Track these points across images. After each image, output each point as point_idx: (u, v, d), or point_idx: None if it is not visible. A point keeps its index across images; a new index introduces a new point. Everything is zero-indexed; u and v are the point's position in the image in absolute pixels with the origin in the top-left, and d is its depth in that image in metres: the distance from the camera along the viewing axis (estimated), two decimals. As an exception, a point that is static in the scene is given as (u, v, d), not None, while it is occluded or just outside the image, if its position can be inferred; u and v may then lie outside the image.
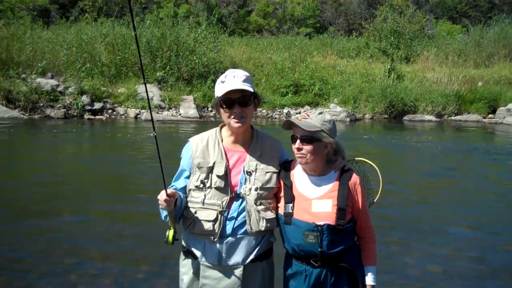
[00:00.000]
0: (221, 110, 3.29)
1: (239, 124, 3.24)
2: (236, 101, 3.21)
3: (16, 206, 8.36)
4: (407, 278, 6.11)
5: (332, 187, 3.22)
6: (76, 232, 7.25)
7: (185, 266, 3.41)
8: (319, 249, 3.13)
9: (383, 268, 6.15)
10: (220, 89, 3.23)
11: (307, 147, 3.18)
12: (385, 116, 23.23)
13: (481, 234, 7.88)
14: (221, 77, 3.28)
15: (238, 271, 3.24)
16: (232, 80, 3.21)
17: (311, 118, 3.20)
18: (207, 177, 3.25)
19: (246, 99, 3.24)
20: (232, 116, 3.23)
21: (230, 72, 3.29)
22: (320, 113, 3.28)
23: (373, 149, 15.13)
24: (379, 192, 3.75)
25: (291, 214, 3.21)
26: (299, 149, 3.19)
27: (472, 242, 7.50)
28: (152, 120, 3.29)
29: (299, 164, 3.34)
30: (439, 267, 6.48)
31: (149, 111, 19.40)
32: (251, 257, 3.27)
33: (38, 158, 12.34)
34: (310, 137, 3.18)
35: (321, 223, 3.13)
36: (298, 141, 3.19)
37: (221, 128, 3.45)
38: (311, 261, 3.19)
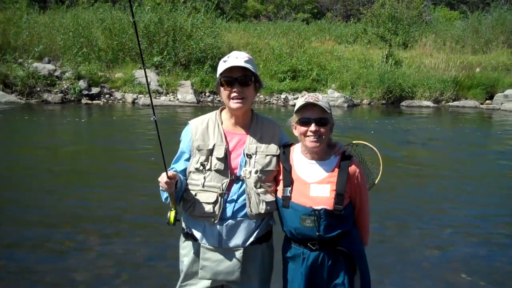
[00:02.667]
0: (221, 89, 3.29)
1: (238, 105, 3.24)
2: (237, 80, 3.21)
3: (14, 190, 8.37)
4: (405, 261, 6.15)
5: (331, 172, 3.22)
6: (76, 215, 7.27)
7: (185, 248, 3.43)
8: (317, 233, 3.14)
9: (382, 251, 6.22)
10: (221, 67, 3.23)
11: (323, 130, 3.17)
12: (383, 101, 23.23)
13: (480, 217, 7.92)
14: (224, 57, 3.29)
15: (238, 253, 3.26)
16: (234, 60, 3.21)
17: (321, 101, 3.17)
18: (207, 160, 3.26)
19: (247, 79, 3.23)
20: (232, 96, 3.23)
21: (233, 53, 3.30)
22: (320, 95, 3.27)
23: (371, 134, 15.13)
24: (379, 175, 3.76)
25: (289, 198, 3.21)
26: (315, 132, 3.16)
27: (471, 225, 7.54)
28: (152, 104, 3.28)
29: (298, 148, 3.34)
30: (437, 250, 6.52)
31: (147, 96, 19.60)
32: (251, 239, 3.28)
33: (35, 142, 12.32)
34: (324, 119, 3.17)
35: (319, 207, 3.13)
36: (313, 124, 3.16)
37: (221, 111, 3.45)
38: (309, 244, 3.21)
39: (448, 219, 7.77)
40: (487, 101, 24.51)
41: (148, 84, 3.42)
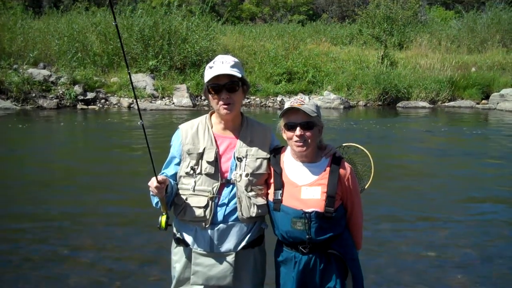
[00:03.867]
0: (209, 96, 3.28)
1: (227, 111, 3.23)
2: (224, 86, 3.20)
3: (8, 197, 8.35)
4: (400, 264, 6.12)
5: (322, 174, 3.20)
6: (68, 221, 7.25)
7: (177, 254, 3.40)
8: (307, 236, 3.12)
9: (377, 254, 6.20)
10: (208, 75, 3.22)
11: (308, 134, 3.15)
12: (379, 103, 23.25)
13: (475, 219, 7.90)
14: (210, 63, 3.27)
15: (230, 258, 3.24)
16: (220, 66, 3.19)
17: (307, 104, 3.16)
18: (197, 164, 3.24)
19: (234, 85, 3.22)
20: (221, 103, 3.22)
21: (219, 58, 3.28)
22: (307, 98, 3.26)
23: (366, 136, 15.13)
24: (371, 178, 3.74)
25: (280, 201, 3.20)
26: (301, 136, 3.14)
27: (466, 228, 7.50)
28: (138, 108, 3.30)
29: (289, 151, 3.32)
30: (433, 253, 6.48)
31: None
32: (243, 243, 3.26)
33: (30, 149, 12.30)
34: (310, 123, 3.15)
35: (309, 210, 3.11)
36: (298, 128, 3.14)
37: (210, 114, 3.44)
38: (300, 247, 3.18)
39: (442, 222, 7.72)
40: (483, 101, 24.57)
41: (133, 87, 3.42)
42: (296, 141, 3.17)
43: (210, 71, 3.21)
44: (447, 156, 12.81)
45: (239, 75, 3.20)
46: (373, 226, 7.08)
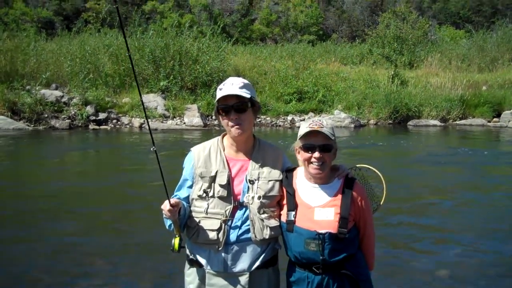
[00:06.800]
0: (220, 117, 3.31)
1: (239, 131, 3.24)
2: (232, 107, 3.22)
3: (21, 217, 8.37)
4: (415, 283, 6.08)
5: (335, 195, 3.20)
6: (82, 242, 7.25)
7: (191, 275, 3.39)
8: (321, 257, 3.12)
9: (391, 273, 6.16)
10: (217, 96, 3.26)
11: (326, 156, 3.16)
12: (390, 121, 23.24)
13: (488, 238, 7.83)
14: (220, 85, 3.31)
15: (244, 278, 3.23)
16: (229, 87, 3.22)
17: (325, 127, 3.15)
18: (209, 187, 3.25)
19: (243, 106, 3.24)
20: (230, 123, 3.24)
21: (229, 80, 3.31)
22: (324, 120, 3.26)
23: (378, 154, 15.10)
24: (383, 199, 3.73)
25: (293, 222, 3.19)
26: (319, 159, 3.14)
27: (480, 247, 7.44)
28: (151, 134, 3.32)
29: (301, 172, 3.32)
30: (447, 271, 6.44)
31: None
32: (257, 264, 3.26)
33: (43, 169, 12.37)
34: (329, 145, 3.16)
35: (323, 231, 3.11)
36: (317, 151, 3.14)
37: (222, 137, 3.45)
38: (313, 268, 3.17)
39: (455, 241, 7.66)
40: (495, 119, 24.49)
41: (145, 111, 3.47)
42: (313, 163, 3.16)
43: (219, 93, 3.24)
44: (459, 175, 12.73)
45: (248, 96, 3.22)
46: (384, 246, 7.03)
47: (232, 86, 3.22)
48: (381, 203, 3.74)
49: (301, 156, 3.22)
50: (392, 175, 10.35)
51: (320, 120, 3.22)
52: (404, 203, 9.44)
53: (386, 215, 8.04)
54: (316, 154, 3.14)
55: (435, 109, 23.90)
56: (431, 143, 18.72)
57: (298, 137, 3.24)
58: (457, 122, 24.18)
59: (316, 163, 3.16)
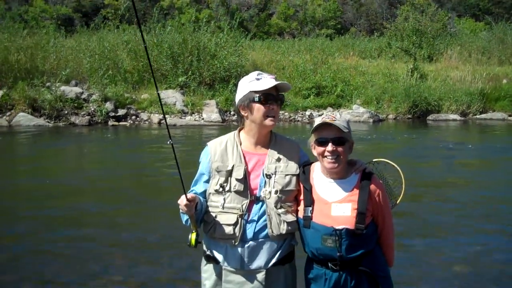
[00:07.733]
0: (257, 106, 3.22)
1: (273, 122, 3.25)
2: (277, 97, 3.25)
3: (42, 213, 8.47)
4: (433, 279, 6.03)
5: (352, 190, 3.16)
6: (101, 238, 7.31)
7: (207, 272, 3.39)
8: (338, 254, 3.08)
9: (410, 268, 6.12)
10: (259, 85, 3.21)
11: (340, 149, 3.11)
12: (409, 116, 23.05)
13: (509, 234, 7.74)
14: (250, 77, 3.28)
15: (261, 275, 3.22)
16: (270, 78, 3.24)
17: (338, 119, 3.12)
18: (226, 181, 3.23)
19: (280, 97, 3.28)
20: (268, 114, 3.22)
21: (259, 72, 3.31)
22: (338, 114, 3.25)
23: (396, 149, 14.99)
24: (402, 194, 3.68)
25: (310, 218, 3.16)
26: (333, 152, 3.11)
27: (500, 242, 7.37)
28: (167, 127, 3.32)
29: (318, 167, 3.29)
30: (466, 267, 6.38)
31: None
32: (274, 260, 3.24)
33: (63, 165, 12.48)
34: (342, 138, 3.12)
35: (340, 227, 3.07)
36: (330, 143, 3.11)
37: (239, 131, 3.43)
38: (330, 264, 3.14)
39: (476, 236, 7.59)
40: (516, 113, 24.16)
41: (162, 107, 3.45)
42: (327, 157, 3.13)
43: (262, 82, 3.22)
44: (479, 171, 12.60)
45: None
46: (405, 242, 6.98)
47: (271, 78, 3.25)
48: (400, 199, 3.69)
49: (316, 150, 3.19)
50: (409, 170, 10.28)
51: (333, 114, 3.19)
52: (422, 197, 9.37)
53: (403, 210, 7.97)
54: (329, 147, 3.10)
55: (455, 103, 23.65)
56: (451, 137, 18.51)
57: (311, 131, 3.22)
58: (477, 116, 23.91)
59: (330, 157, 3.11)
